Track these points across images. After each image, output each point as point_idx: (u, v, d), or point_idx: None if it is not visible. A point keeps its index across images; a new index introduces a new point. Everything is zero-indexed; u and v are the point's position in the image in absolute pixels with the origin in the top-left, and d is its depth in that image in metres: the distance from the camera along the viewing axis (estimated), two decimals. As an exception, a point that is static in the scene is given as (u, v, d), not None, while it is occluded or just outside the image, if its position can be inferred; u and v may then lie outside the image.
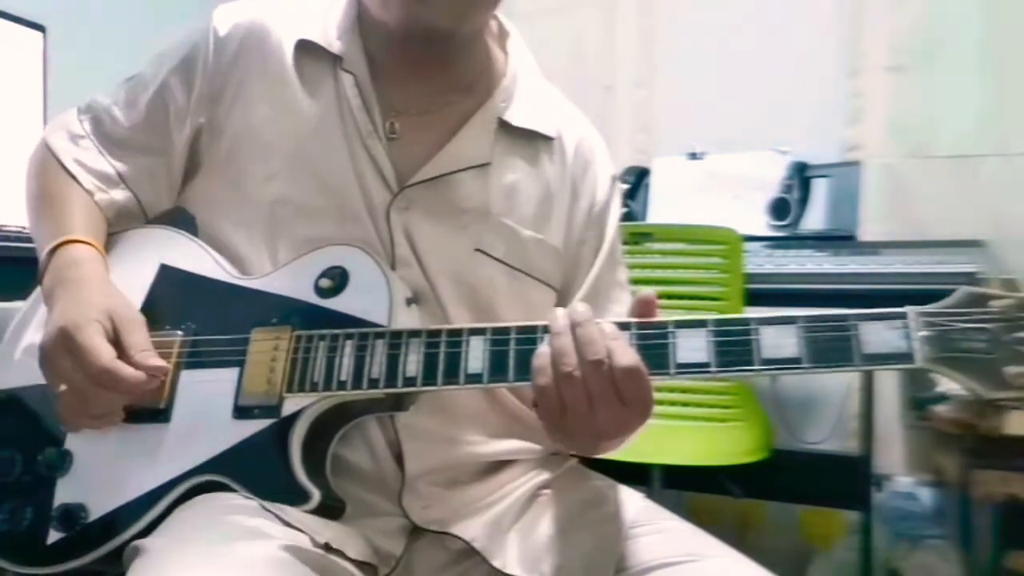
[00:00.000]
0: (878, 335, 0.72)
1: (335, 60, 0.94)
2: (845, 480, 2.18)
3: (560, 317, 0.76)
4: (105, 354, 0.82)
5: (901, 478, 2.28)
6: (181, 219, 1.02)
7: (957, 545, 2.09)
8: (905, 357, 0.72)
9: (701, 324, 0.77)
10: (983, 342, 0.70)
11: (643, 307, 0.79)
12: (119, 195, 0.99)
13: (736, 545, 0.85)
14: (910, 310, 0.73)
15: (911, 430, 2.28)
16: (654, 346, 0.77)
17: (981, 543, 2.01)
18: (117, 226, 1.00)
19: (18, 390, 0.94)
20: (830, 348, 0.73)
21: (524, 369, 0.78)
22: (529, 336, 0.79)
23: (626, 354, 0.74)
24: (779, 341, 0.74)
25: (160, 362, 0.84)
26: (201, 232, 0.97)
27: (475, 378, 0.80)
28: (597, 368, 0.73)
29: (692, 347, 0.76)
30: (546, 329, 0.78)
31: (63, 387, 0.83)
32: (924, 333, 0.71)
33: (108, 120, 1.01)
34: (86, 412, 0.84)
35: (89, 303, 0.86)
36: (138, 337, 0.85)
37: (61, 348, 0.83)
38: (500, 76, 0.98)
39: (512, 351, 0.79)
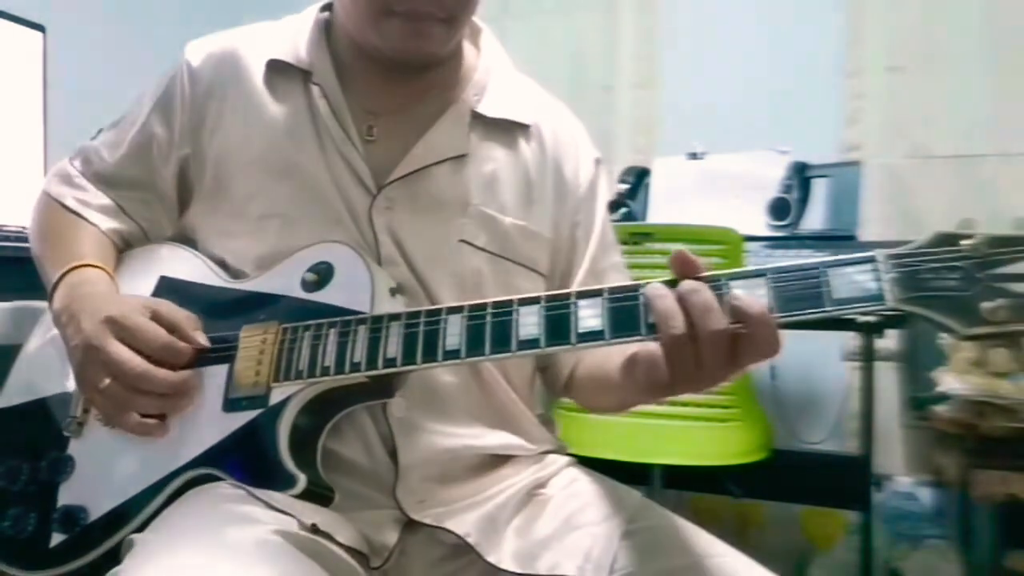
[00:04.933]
0: (848, 279, 0.71)
1: (305, 75, 0.97)
2: (845, 480, 2.18)
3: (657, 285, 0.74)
4: (162, 331, 0.86)
5: (901, 478, 2.28)
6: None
7: (957, 545, 2.10)
8: (876, 298, 0.70)
9: (671, 285, 0.74)
10: (956, 280, 0.69)
11: (682, 263, 0.74)
12: (124, 225, 1.03)
13: (736, 545, 0.85)
14: (879, 253, 0.71)
15: (911, 430, 2.29)
16: (625, 308, 0.75)
17: (981, 543, 2.01)
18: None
19: (24, 404, 0.97)
20: (800, 296, 0.72)
21: (501, 342, 0.78)
22: (505, 310, 0.80)
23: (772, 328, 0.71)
24: (750, 293, 0.73)
25: (204, 336, 0.89)
26: (201, 252, 1.00)
27: (453, 354, 0.80)
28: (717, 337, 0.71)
29: None
30: (523, 301, 0.79)
31: (107, 381, 0.84)
32: (894, 274, 0.70)
33: (97, 159, 1.05)
34: (135, 402, 0.85)
35: (124, 299, 0.91)
36: (181, 316, 0.89)
37: (110, 336, 0.85)
38: (472, 71, 1.01)
39: (488, 324, 0.80)
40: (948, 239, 0.71)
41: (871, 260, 0.71)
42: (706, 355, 0.72)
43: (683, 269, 0.74)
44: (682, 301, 0.72)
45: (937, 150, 2.41)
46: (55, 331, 0.94)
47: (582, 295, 0.78)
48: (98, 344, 0.85)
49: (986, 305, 0.68)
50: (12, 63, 1.75)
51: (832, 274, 0.72)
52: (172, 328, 0.87)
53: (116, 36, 2.38)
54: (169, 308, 0.89)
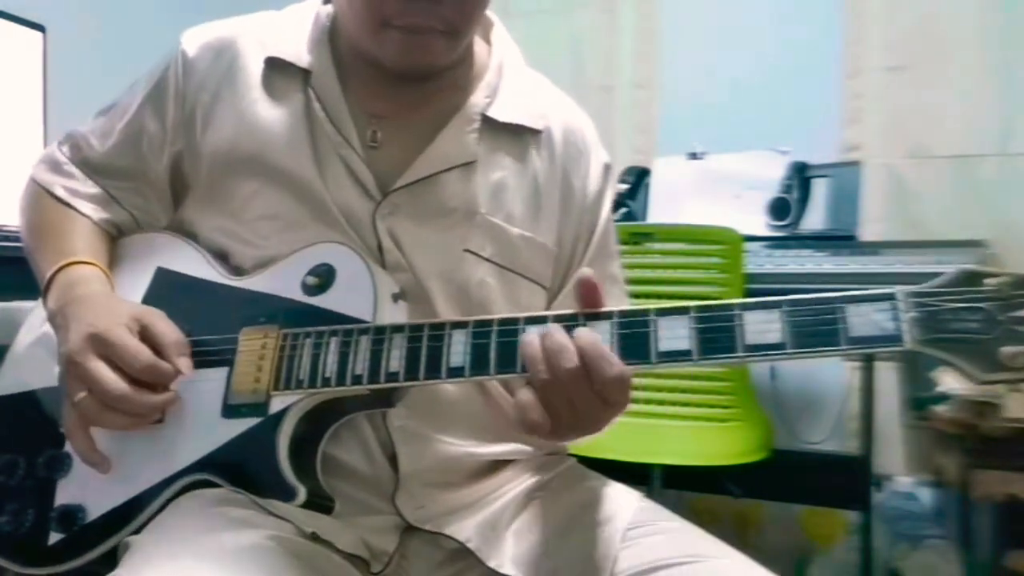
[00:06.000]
0: (865, 317, 0.70)
1: (305, 74, 0.94)
2: (845, 480, 2.18)
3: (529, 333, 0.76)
4: (145, 352, 0.82)
5: (901, 478, 2.28)
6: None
7: (957, 545, 2.09)
8: (893, 339, 0.69)
9: (683, 311, 0.74)
10: (977, 322, 0.67)
11: (586, 290, 0.77)
12: (116, 215, 1.01)
13: (736, 545, 0.85)
14: (899, 290, 0.70)
15: (911, 430, 2.28)
16: (636, 334, 0.75)
17: (981, 543, 2.01)
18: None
19: (20, 394, 0.96)
20: (815, 332, 0.71)
21: (506, 362, 0.77)
22: (511, 328, 0.78)
23: (611, 366, 0.73)
24: (763, 326, 0.72)
25: (189, 362, 0.85)
26: (200, 244, 0.98)
27: (457, 372, 0.79)
28: (574, 376, 0.73)
29: (674, 335, 0.74)
30: (528, 321, 0.78)
31: (83, 394, 0.82)
32: (913, 314, 0.69)
33: (86, 146, 1.02)
34: (105, 419, 0.83)
35: (113, 310, 0.87)
36: (169, 333, 0.85)
37: (92, 352, 0.82)
38: (483, 69, 0.97)
39: (494, 344, 0.78)
40: (972, 277, 0.69)
41: (891, 298, 0.70)
42: (573, 395, 0.73)
43: (587, 297, 0.76)
44: (542, 344, 0.74)
45: (937, 150, 2.40)
46: (48, 327, 0.92)
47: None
48: (78, 359, 0.82)
49: (1006, 350, 0.66)
50: (12, 63, 1.75)
51: (850, 311, 0.70)
52: (158, 348, 0.84)
53: (116, 36, 2.38)
54: (159, 325, 0.86)
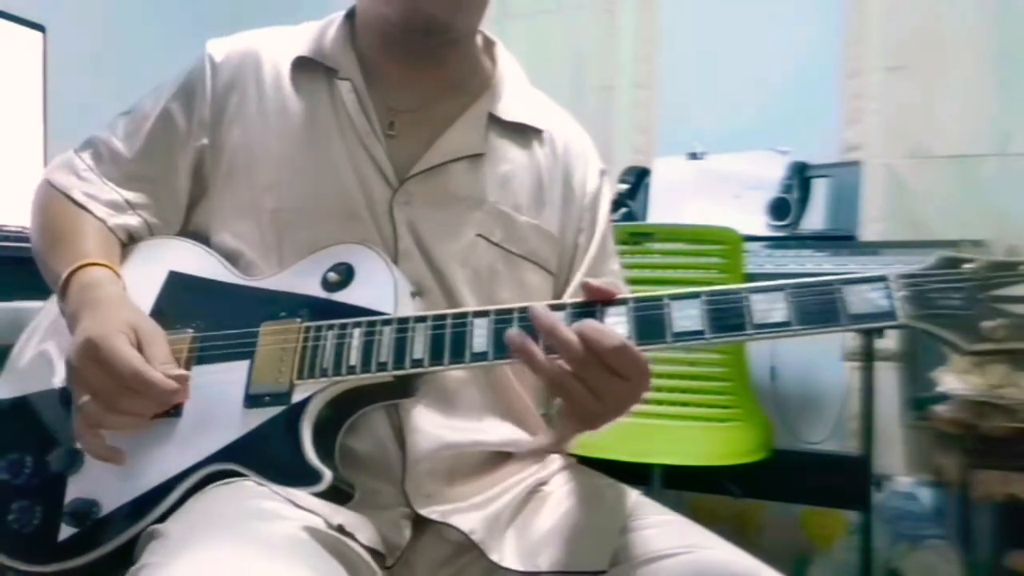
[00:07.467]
0: (862, 296, 0.76)
1: (330, 72, 0.99)
2: (845, 480, 2.18)
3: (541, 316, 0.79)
4: (136, 359, 0.83)
5: (901, 478, 2.28)
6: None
7: (957, 545, 2.10)
8: (888, 315, 0.76)
9: (695, 295, 0.81)
10: (960, 299, 0.76)
11: (592, 294, 0.82)
12: (130, 220, 1.02)
13: (736, 545, 0.85)
14: (891, 273, 0.77)
15: (911, 430, 2.29)
16: (651, 317, 0.81)
17: (981, 543, 2.02)
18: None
19: (26, 396, 0.96)
20: (817, 310, 0.77)
21: None
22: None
23: (611, 336, 0.77)
24: (769, 307, 0.78)
25: (182, 371, 0.85)
26: (213, 247, 0.99)
27: (480, 356, 0.82)
28: (583, 360, 0.77)
29: (687, 316, 0.80)
30: (551, 308, 0.81)
31: (86, 397, 0.83)
32: (904, 293, 0.76)
33: (108, 153, 1.04)
34: (109, 421, 0.84)
35: (114, 317, 0.88)
36: (160, 350, 0.86)
37: (87, 358, 0.83)
38: (488, 79, 1.04)
39: (515, 328, 0.81)
40: (952, 262, 0.77)
41: (883, 279, 0.77)
42: (591, 381, 0.78)
43: (597, 296, 0.82)
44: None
45: (937, 150, 2.41)
46: (59, 324, 0.93)
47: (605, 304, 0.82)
48: (76, 365, 0.84)
49: (986, 324, 0.74)
50: (12, 63, 1.76)
51: (847, 291, 0.77)
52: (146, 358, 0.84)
53: (116, 36, 2.38)
54: (152, 338, 0.86)
